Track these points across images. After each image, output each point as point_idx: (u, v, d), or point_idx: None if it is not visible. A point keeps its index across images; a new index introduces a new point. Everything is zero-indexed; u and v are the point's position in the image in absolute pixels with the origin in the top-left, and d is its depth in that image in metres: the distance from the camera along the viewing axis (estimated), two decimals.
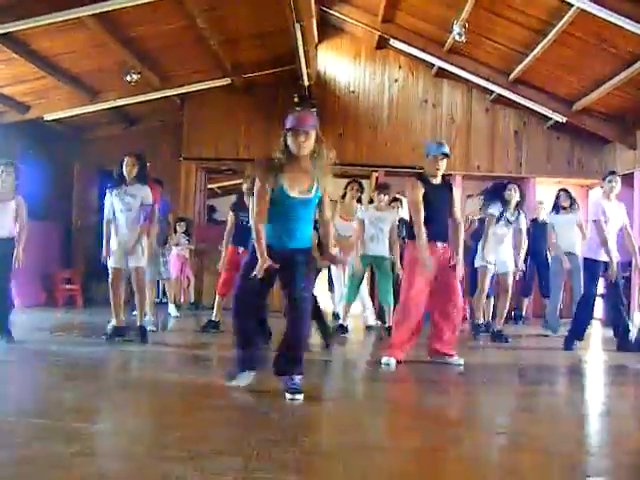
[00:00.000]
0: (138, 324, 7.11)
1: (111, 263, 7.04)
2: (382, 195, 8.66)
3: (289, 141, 4.34)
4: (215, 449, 3.12)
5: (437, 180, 6.13)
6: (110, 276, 7.03)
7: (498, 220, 8.24)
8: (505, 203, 8.28)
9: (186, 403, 4.22)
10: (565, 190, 9.48)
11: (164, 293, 12.39)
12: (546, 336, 9.08)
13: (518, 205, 8.34)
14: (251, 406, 4.19)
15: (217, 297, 8.20)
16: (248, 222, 7.12)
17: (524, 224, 8.55)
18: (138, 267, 7.12)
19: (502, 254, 8.38)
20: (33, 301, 10.74)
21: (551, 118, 11.99)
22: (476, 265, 8.55)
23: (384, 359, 5.95)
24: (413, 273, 6.00)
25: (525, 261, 9.16)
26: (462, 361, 6.09)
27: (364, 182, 9.98)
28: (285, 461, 2.96)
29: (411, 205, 6.08)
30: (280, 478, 2.71)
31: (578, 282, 8.68)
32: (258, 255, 4.28)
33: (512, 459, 3.21)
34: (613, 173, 7.84)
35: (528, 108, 12.03)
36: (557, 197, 9.36)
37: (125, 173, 7.02)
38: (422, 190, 5.98)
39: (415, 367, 6.05)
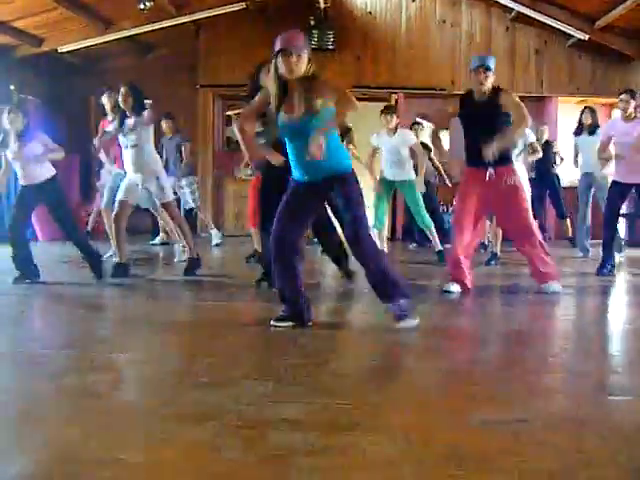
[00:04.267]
0: (188, 256, 6.89)
1: (119, 196, 6.64)
2: (388, 116, 8.18)
3: (279, 64, 3.97)
4: (245, 374, 3.17)
5: (482, 97, 5.61)
6: (116, 209, 6.61)
7: None
8: None
9: (215, 330, 4.25)
10: (589, 108, 9.23)
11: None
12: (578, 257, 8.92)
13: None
14: (279, 332, 4.23)
15: (252, 229, 7.70)
16: None
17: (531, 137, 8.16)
18: (164, 202, 6.80)
19: None
20: (55, 235, 10.81)
21: (573, 36, 11.73)
22: None
23: (446, 285, 5.74)
24: (462, 195, 5.73)
25: (532, 182, 8.98)
26: (558, 287, 5.78)
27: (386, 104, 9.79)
28: (315, 384, 3.02)
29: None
30: (312, 401, 2.75)
31: (602, 202, 8.62)
32: (249, 154, 4.13)
33: (536, 379, 3.23)
34: (627, 92, 7.44)
35: (549, 26, 11.75)
36: (581, 115, 9.10)
37: (122, 106, 6.56)
38: (461, 111, 5.68)
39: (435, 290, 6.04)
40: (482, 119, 5.58)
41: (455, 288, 5.71)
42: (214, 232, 10.48)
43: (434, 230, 8.26)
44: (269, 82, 4.08)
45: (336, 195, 4.15)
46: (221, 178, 12.80)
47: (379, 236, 8.38)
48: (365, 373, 3.34)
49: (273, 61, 4.02)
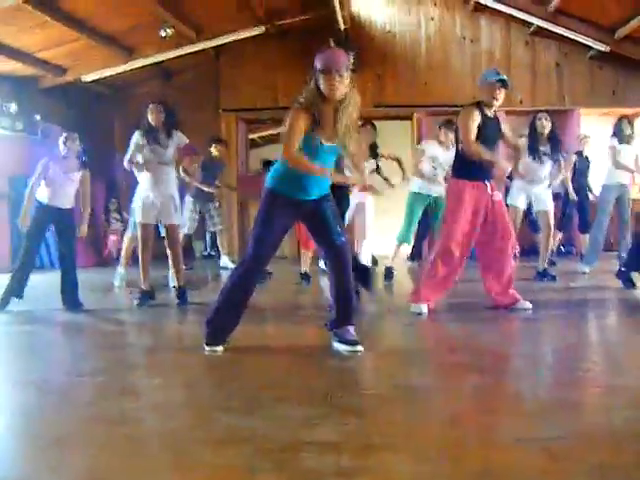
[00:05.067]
0: (176, 285, 6.68)
1: (140, 218, 6.49)
2: (449, 132, 7.93)
3: (321, 83, 3.91)
4: (276, 397, 3.16)
5: (491, 112, 5.59)
6: (140, 233, 6.51)
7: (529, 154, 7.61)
8: (536, 135, 7.67)
9: (241, 354, 4.25)
10: (627, 117, 8.91)
11: (212, 245, 12.56)
12: (583, 273, 8.68)
13: (553, 137, 7.67)
14: (306, 354, 4.22)
15: (305, 251, 7.94)
16: None
17: (570, 159, 8.07)
18: (172, 224, 6.62)
19: (537, 190, 7.81)
20: (85, 262, 10.90)
21: (593, 48, 11.70)
22: (508, 202, 7.76)
23: (413, 307, 5.61)
24: (458, 213, 5.54)
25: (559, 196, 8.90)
26: (529, 305, 5.69)
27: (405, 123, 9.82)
28: (346, 405, 3.00)
29: (464, 128, 5.46)
30: (343, 422, 2.74)
31: (627, 214, 8.55)
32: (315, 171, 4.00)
33: (568, 395, 3.19)
34: None
35: (569, 39, 11.74)
36: (619, 124, 8.68)
37: (152, 121, 6.46)
38: (478, 118, 5.48)
39: (461, 306, 6.02)
40: (491, 133, 5.59)
41: (425, 309, 5.58)
42: (226, 258, 10.73)
43: None
44: (307, 97, 3.98)
45: (324, 208, 4.15)
46: (245, 201, 12.85)
47: (397, 250, 8.39)
48: (394, 392, 3.31)
49: (312, 78, 3.96)
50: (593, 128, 11.78)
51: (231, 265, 10.44)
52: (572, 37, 11.57)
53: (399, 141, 10.01)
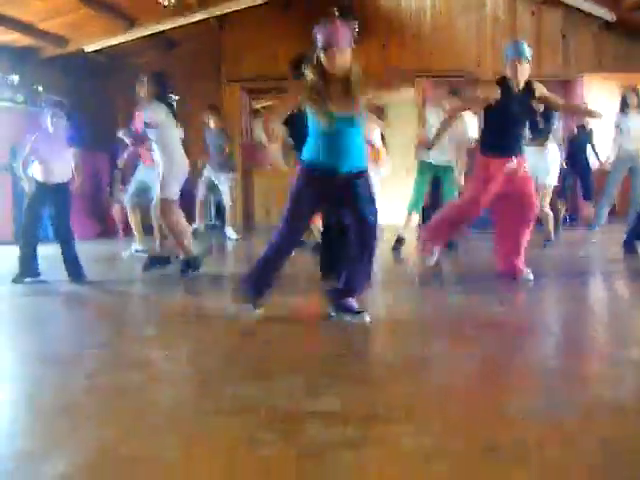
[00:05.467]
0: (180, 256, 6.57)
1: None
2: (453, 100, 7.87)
3: (322, 58, 3.93)
4: (280, 368, 3.16)
5: (518, 87, 5.46)
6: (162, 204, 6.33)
7: None
8: None
9: (247, 325, 4.23)
10: (633, 88, 8.73)
11: (217, 215, 12.58)
12: (592, 242, 8.77)
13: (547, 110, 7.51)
14: (310, 324, 4.21)
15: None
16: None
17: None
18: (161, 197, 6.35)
19: (537, 164, 7.97)
20: (88, 234, 10.90)
21: (600, 17, 11.58)
22: None
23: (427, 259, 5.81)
24: (479, 187, 5.55)
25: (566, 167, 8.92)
26: (531, 276, 5.63)
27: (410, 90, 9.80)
28: (350, 375, 2.99)
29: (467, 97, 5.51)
30: (347, 392, 2.73)
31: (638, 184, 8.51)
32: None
33: (573, 367, 3.18)
34: None
35: (575, 8, 11.62)
36: (624, 97, 8.67)
37: (139, 94, 6.50)
38: (497, 95, 5.41)
39: (466, 277, 6.01)
40: (518, 110, 5.50)
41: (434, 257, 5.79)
42: (230, 229, 10.71)
43: None
44: (310, 76, 4.00)
45: (358, 184, 4.10)
46: (249, 171, 12.83)
47: (408, 220, 8.39)
48: (399, 363, 3.30)
49: (315, 55, 3.98)
50: (596, 95, 11.63)
51: (235, 236, 10.46)
52: (579, 6, 11.44)
53: (400, 109, 9.90)
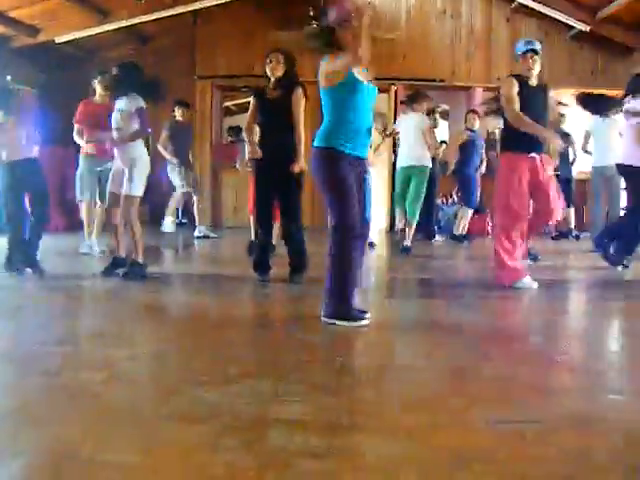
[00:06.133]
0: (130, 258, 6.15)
1: (109, 187, 6.13)
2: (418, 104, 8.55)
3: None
4: (245, 372, 3.09)
5: (533, 81, 5.54)
6: (108, 202, 6.14)
7: None
8: None
9: (213, 325, 4.18)
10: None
11: (184, 213, 12.35)
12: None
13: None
14: (280, 327, 4.16)
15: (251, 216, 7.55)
16: None
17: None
18: (124, 194, 5.93)
19: None
20: (52, 227, 10.72)
21: (574, 27, 11.67)
22: None
23: (518, 283, 5.50)
24: (511, 187, 5.43)
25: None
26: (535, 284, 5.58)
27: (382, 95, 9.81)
28: (317, 382, 2.95)
29: (505, 100, 5.42)
30: (312, 399, 2.69)
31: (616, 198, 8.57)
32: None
33: (543, 378, 3.16)
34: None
35: (550, 17, 11.70)
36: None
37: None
38: (516, 87, 5.41)
39: (446, 283, 5.99)
40: (537, 103, 5.51)
41: (528, 282, 5.54)
42: (203, 227, 10.46)
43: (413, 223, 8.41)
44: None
45: (367, 180, 4.17)
46: (219, 169, 12.75)
47: (409, 230, 8.48)
48: (368, 371, 3.27)
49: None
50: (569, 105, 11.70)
51: (212, 235, 10.28)
52: (553, 16, 11.53)
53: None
